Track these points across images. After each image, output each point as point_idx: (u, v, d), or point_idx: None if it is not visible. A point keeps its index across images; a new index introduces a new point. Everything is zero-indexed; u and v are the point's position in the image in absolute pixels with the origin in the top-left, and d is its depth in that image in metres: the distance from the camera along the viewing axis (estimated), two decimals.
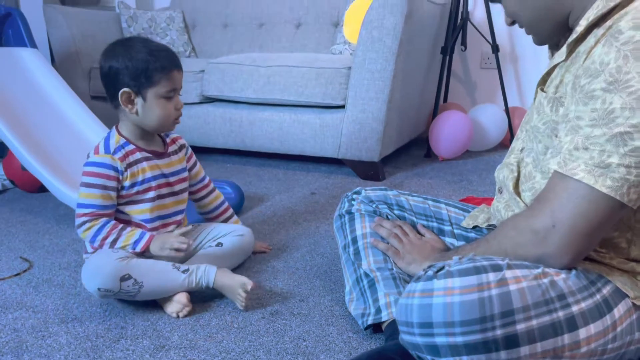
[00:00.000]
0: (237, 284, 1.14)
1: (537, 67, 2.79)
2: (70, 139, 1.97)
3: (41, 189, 1.98)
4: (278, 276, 1.32)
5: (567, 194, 0.75)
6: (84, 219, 1.17)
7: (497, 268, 0.71)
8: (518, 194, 0.93)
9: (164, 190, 1.26)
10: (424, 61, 2.41)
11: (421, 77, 2.45)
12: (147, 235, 1.18)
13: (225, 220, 1.45)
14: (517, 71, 2.87)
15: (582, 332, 0.72)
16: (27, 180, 1.96)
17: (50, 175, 1.69)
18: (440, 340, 0.70)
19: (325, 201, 1.93)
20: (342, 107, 2.17)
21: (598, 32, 0.76)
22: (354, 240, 1.13)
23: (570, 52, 0.82)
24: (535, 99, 0.92)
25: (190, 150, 1.38)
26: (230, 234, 1.35)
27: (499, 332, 0.68)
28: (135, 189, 1.21)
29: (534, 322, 0.69)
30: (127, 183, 1.20)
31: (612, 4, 0.75)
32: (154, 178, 1.23)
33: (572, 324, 0.71)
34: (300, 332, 1.07)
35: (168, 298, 1.15)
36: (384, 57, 2.03)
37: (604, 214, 0.73)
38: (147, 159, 1.23)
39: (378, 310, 1.01)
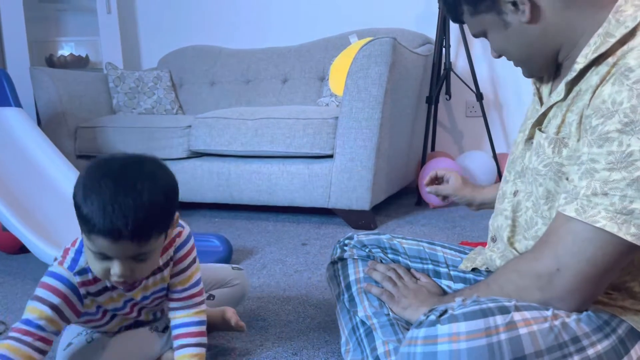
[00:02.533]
0: (220, 316, 1.11)
1: (521, 113, 2.82)
2: (54, 197, 1.92)
3: (22, 249, 1.91)
4: (269, 330, 1.25)
5: (571, 237, 0.71)
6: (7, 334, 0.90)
7: (504, 310, 0.67)
8: (513, 245, 0.89)
9: (134, 314, 1.04)
10: (409, 110, 2.44)
11: (408, 126, 2.47)
12: None
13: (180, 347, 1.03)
14: (502, 118, 2.91)
15: None
16: (7, 241, 1.90)
17: (31, 235, 1.64)
18: None
19: (317, 251, 1.88)
20: (331, 156, 2.16)
21: (599, 69, 0.74)
22: (348, 287, 1.08)
23: (568, 91, 0.79)
24: (526, 139, 0.89)
25: (178, 259, 1.02)
26: (223, 287, 1.28)
27: None
28: (99, 315, 1.00)
29: None
30: (90, 310, 0.97)
31: (612, 41, 0.73)
32: (123, 307, 1.00)
33: None
34: None
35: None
36: (370, 106, 2.04)
37: (611, 259, 0.69)
38: (111, 289, 0.97)
39: None
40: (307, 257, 1.81)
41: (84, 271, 0.92)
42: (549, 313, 0.69)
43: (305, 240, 2.03)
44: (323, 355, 1.12)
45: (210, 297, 1.24)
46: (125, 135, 2.52)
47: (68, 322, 0.93)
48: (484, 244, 1.07)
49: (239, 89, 3.01)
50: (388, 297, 1.02)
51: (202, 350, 1.01)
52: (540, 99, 0.90)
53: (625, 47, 0.72)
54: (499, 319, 0.65)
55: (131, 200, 0.82)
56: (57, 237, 1.73)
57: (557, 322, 0.68)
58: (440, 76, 2.64)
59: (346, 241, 1.16)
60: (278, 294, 1.47)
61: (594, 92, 0.73)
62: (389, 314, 1.01)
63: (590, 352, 0.67)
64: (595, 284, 0.71)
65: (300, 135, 2.17)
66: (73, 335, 1.06)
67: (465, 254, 1.10)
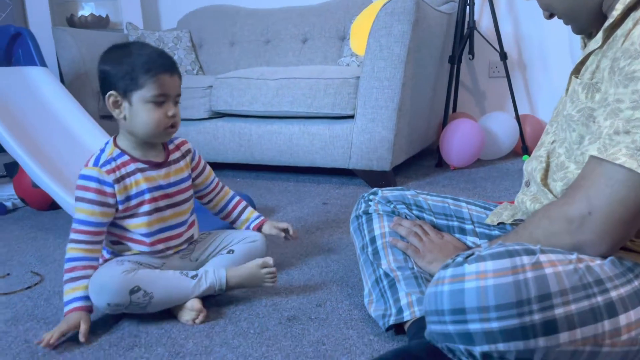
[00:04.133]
0: (256, 268, 1.16)
1: (545, 74, 2.77)
2: (80, 155, 1.96)
3: (52, 206, 1.97)
4: (293, 283, 1.29)
5: (604, 179, 0.71)
6: (71, 236, 1.10)
7: (530, 252, 0.68)
8: (546, 185, 0.90)
9: (162, 203, 1.18)
10: (432, 70, 2.41)
11: (430, 86, 2.44)
12: (69, 307, 1.06)
13: (241, 213, 1.39)
14: (526, 79, 2.85)
15: (622, 319, 0.68)
16: (38, 197, 1.95)
17: (62, 191, 1.68)
18: (474, 327, 0.66)
19: (338, 211, 1.90)
20: (352, 117, 2.16)
21: (636, 14, 0.75)
22: (373, 240, 1.10)
23: (606, 37, 0.80)
24: (567, 89, 0.90)
25: (197, 155, 1.30)
26: (243, 241, 1.31)
27: (536, 317, 0.64)
28: (129, 203, 1.14)
29: (573, 307, 0.65)
30: (120, 197, 1.12)
31: None
32: (149, 190, 1.15)
33: (612, 309, 0.67)
34: (319, 336, 1.03)
35: (181, 306, 1.12)
36: (392, 65, 2.02)
37: None
38: (141, 170, 1.15)
39: (400, 311, 0.98)
40: (327, 216, 1.84)
41: (107, 162, 1.12)
42: (573, 257, 0.70)
43: (326, 200, 2.05)
44: (346, 306, 1.15)
45: (230, 251, 1.28)
46: None
47: (113, 209, 1.13)
48: (510, 202, 1.08)
49: (258, 49, 2.99)
50: (414, 251, 1.04)
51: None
52: None
53: None
54: (525, 259, 0.66)
55: (157, 48, 1.13)
56: None
57: (581, 265, 0.69)
58: (463, 35, 2.58)
59: (370, 196, 1.18)
60: (301, 251, 1.51)
61: (627, 36, 0.74)
62: (413, 268, 1.03)
63: (613, 294, 0.68)
64: (626, 226, 0.71)
65: (321, 96, 2.16)
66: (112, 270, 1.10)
67: (490, 210, 1.11)
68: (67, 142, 1.96)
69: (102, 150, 1.15)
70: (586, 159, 0.79)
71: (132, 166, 1.14)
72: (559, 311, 0.65)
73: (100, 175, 1.11)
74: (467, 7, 2.56)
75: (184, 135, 2.43)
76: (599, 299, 0.67)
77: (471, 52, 2.69)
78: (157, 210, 1.17)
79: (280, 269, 1.37)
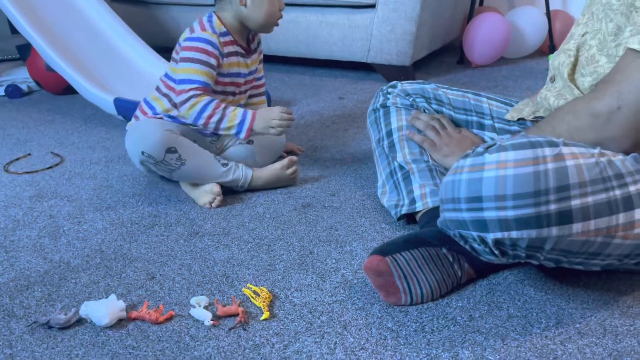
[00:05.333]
0: (280, 170, 1.19)
1: None
2: (93, 39, 1.92)
3: (66, 90, 1.96)
4: (308, 173, 1.30)
5: (639, 74, 0.68)
6: (190, 94, 1.13)
7: (553, 144, 0.67)
8: (573, 81, 0.86)
9: (236, 89, 1.25)
10: None
11: None
12: (249, 116, 1.15)
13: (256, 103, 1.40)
14: None
15: (638, 213, 0.68)
16: (53, 80, 1.94)
17: (77, 75, 1.67)
18: (489, 214, 0.67)
19: (354, 105, 1.88)
20: (373, 6, 2.05)
21: None
22: (389, 133, 1.09)
23: None
24: None
25: (261, 46, 1.33)
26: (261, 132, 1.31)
27: (552, 207, 0.65)
28: (221, 79, 1.20)
29: (590, 199, 0.65)
30: (222, 70, 1.19)
31: None
32: (237, 75, 1.23)
33: (628, 203, 0.68)
34: (333, 223, 1.06)
35: (199, 190, 1.15)
36: None
37: None
38: (237, 54, 1.21)
39: (412, 201, 0.99)
40: (344, 110, 1.82)
41: (224, 33, 1.18)
42: (595, 151, 0.69)
43: (343, 94, 2.02)
44: (359, 197, 1.17)
45: (250, 142, 1.28)
46: None
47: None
48: (532, 100, 1.04)
49: None
50: (430, 145, 1.03)
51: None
52: None
53: None
54: (547, 151, 0.66)
55: None
56: (101, 78, 1.76)
57: (603, 159, 0.68)
58: None
59: (389, 89, 1.15)
60: (316, 143, 1.51)
61: None
62: (428, 161, 1.03)
63: (632, 188, 0.68)
64: None
65: None
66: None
67: (512, 105, 1.08)
68: (79, 26, 1.91)
69: (210, 21, 1.18)
70: (620, 52, 0.75)
71: (232, 47, 1.20)
72: (575, 202, 0.65)
73: (219, 44, 1.16)
74: None
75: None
76: (617, 192, 0.67)
77: None
78: (229, 93, 1.24)
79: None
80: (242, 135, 1.15)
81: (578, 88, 0.85)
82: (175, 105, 1.20)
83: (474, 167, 0.68)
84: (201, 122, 1.14)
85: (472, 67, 2.39)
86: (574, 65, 0.87)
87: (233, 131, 1.15)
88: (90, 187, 1.24)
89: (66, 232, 1.04)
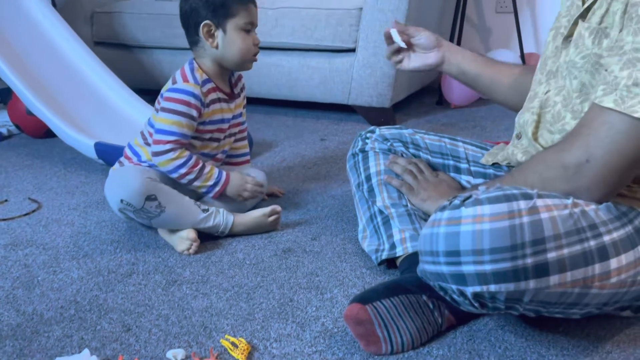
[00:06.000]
0: (262, 217, 1.19)
1: (554, 11, 2.67)
2: (74, 83, 1.93)
3: (47, 133, 1.95)
4: (289, 216, 1.30)
5: (605, 128, 0.70)
6: (168, 146, 1.14)
7: (527, 196, 0.68)
8: (537, 140, 0.89)
9: (221, 134, 1.26)
10: (437, 4, 2.32)
11: (434, 21, 2.36)
12: (223, 179, 1.19)
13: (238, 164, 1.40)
14: (535, 15, 2.76)
15: (613, 262, 0.69)
16: (33, 124, 1.93)
17: (57, 119, 1.67)
18: (467, 268, 0.67)
19: (335, 147, 1.90)
20: (353, 50, 2.10)
21: None
22: (368, 178, 1.10)
23: None
24: (550, 39, 0.87)
25: (245, 91, 1.35)
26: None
27: (529, 261, 0.65)
28: (204, 127, 1.20)
29: (565, 251, 0.66)
30: (201, 119, 1.19)
31: None
32: (222, 121, 1.23)
33: (603, 253, 0.69)
34: (313, 268, 1.05)
35: (177, 236, 1.13)
36: None
37: None
38: (220, 100, 1.22)
39: (393, 246, 0.99)
40: (325, 152, 1.83)
41: (206, 81, 1.18)
42: (569, 201, 0.70)
43: (324, 135, 2.04)
44: (340, 240, 1.17)
45: None
46: (143, 22, 2.45)
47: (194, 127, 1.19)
48: (506, 143, 1.07)
49: None
50: (408, 189, 1.04)
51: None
52: None
53: None
54: (522, 204, 0.67)
55: None
56: (81, 121, 1.76)
57: (576, 210, 0.69)
58: None
59: (368, 134, 1.17)
60: (297, 186, 1.51)
61: None
62: (407, 205, 1.04)
63: (606, 238, 0.69)
64: (621, 175, 0.71)
65: (322, 27, 2.09)
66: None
67: (487, 149, 1.10)
68: (61, 70, 1.92)
69: (192, 70, 1.19)
70: (585, 108, 0.77)
71: (215, 95, 1.21)
72: (551, 255, 0.66)
73: (201, 95, 1.17)
74: None
75: (179, 64, 2.37)
76: (592, 243, 0.68)
77: None
78: (215, 139, 1.25)
79: (276, 203, 1.38)
80: (211, 195, 1.20)
81: (542, 147, 0.87)
82: None
83: (451, 220, 0.69)
84: (175, 175, 1.16)
85: (450, 108, 2.44)
86: (538, 123, 0.89)
87: (203, 190, 1.18)
88: (67, 234, 1.22)
89: (40, 282, 1.02)
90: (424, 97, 2.69)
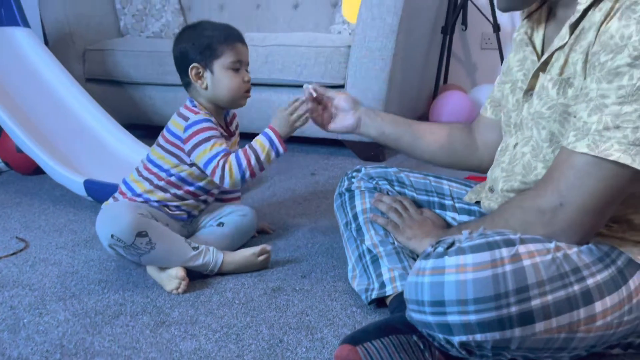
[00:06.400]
0: (252, 257, 1.19)
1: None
2: (65, 120, 1.94)
3: (36, 171, 1.95)
4: (279, 254, 1.30)
5: (574, 171, 0.72)
6: (220, 163, 1.16)
7: (509, 243, 0.69)
8: (507, 195, 0.90)
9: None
10: (424, 41, 2.38)
11: (421, 57, 2.42)
12: (271, 132, 1.20)
13: (229, 200, 1.43)
14: None
15: (598, 306, 0.70)
16: (22, 162, 1.93)
17: (46, 156, 1.67)
18: (452, 318, 0.68)
19: (325, 181, 1.91)
20: (342, 86, 2.14)
21: (602, 5, 0.73)
22: (355, 217, 1.11)
23: (571, 32, 0.78)
24: (508, 92, 0.90)
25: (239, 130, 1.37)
26: (233, 213, 1.33)
27: (513, 309, 0.66)
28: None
29: (549, 298, 0.67)
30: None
31: None
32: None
33: (587, 297, 0.69)
34: (303, 307, 1.05)
35: (165, 274, 1.13)
36: (384, 35, 1.99)
37: (614, 191, 0.71)
38: (222, 136, 1.24)
39: (382, 285, 1.00)
40: (315, 187, 1.84)
41: (209, 116, 1.21)
42: (551, 245, 0.71)
43: (314, 170, 2.06)
44: (331, 279, 1.17)
45: (220, 224, 1.29)
46: (135, 59, 2.49)
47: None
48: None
49: (248, 13, 2.93)
50: (393, 227, 1.05)
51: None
52: (535, 48, 0.89)
53: None
54: (505, 252, 0.68)
55: (222, 23, 1.24)
56: (72, 158, 1.77)
57: (559, 254, 0.70)
58: (457, 5, 2.55)
59: (354, 173, 1.18)
60: (287, 222, 1.52)
61: (599, 29, 0.73)
62: (394, 243, 1.05)
63: (590, 282, 0.70)
64: (597, 216, 0.73)
65: (311, 64, 2.13)
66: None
67: (471, 187, 1.12)
68: (51, 107, 1.93)
69: (194, 106, 1.22)
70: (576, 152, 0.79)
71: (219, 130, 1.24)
72: (535, 302, 0.66)
73: (214, 121, 1.20)
74: None
75: (171, 101, 2.40)
76: (576, 287, 0.69)
77: (464, 22, 2.66)
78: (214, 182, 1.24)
79: (267, 240, 1.38)
80: (282, 150, 1.21)
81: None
82: (159, 187, 1.22)
83: (435, 270, 0.69)
84: (247, 174, 1.18)
85: None
86: (507, 177, 0.91)
87: (273, 155, 1.20)
88: (54, 273, 1.21)
89: (26, 325, 1.00)
90: None
